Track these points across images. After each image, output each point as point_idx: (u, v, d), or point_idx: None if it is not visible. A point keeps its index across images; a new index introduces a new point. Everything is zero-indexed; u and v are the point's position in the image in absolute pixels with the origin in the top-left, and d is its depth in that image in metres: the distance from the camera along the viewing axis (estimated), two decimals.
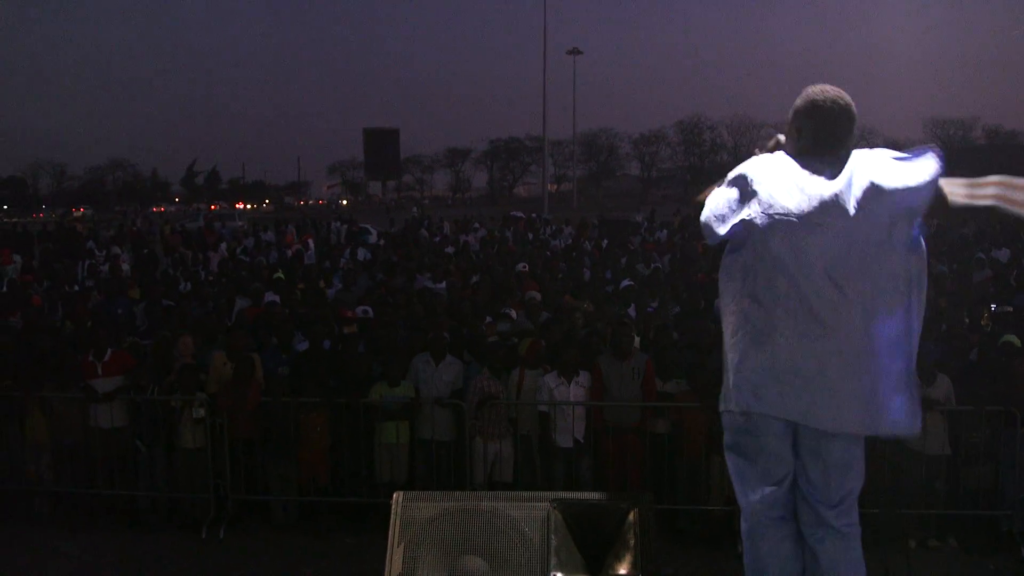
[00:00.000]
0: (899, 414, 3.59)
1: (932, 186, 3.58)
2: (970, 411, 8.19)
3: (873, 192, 3.52)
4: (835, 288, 3.51)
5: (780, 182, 3.60)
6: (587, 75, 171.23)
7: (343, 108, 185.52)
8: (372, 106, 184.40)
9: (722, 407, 3.90)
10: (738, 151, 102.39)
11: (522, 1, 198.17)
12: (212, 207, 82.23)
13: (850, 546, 3.81)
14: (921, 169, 3.60)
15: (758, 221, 3.58)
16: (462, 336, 10.12)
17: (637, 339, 9.56)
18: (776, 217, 3.54)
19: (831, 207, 3.50)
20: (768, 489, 3.79)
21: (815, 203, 3.52)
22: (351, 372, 9.26)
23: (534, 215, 40.66)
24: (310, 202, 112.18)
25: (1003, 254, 19.07)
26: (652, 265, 17.26)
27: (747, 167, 3.73)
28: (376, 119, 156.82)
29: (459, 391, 9.06)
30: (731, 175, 3.77)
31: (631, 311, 11.87)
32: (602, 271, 16.73)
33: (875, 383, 3.54)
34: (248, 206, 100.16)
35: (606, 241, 24.36)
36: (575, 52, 77.41)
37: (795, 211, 3.52)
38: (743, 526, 3.94)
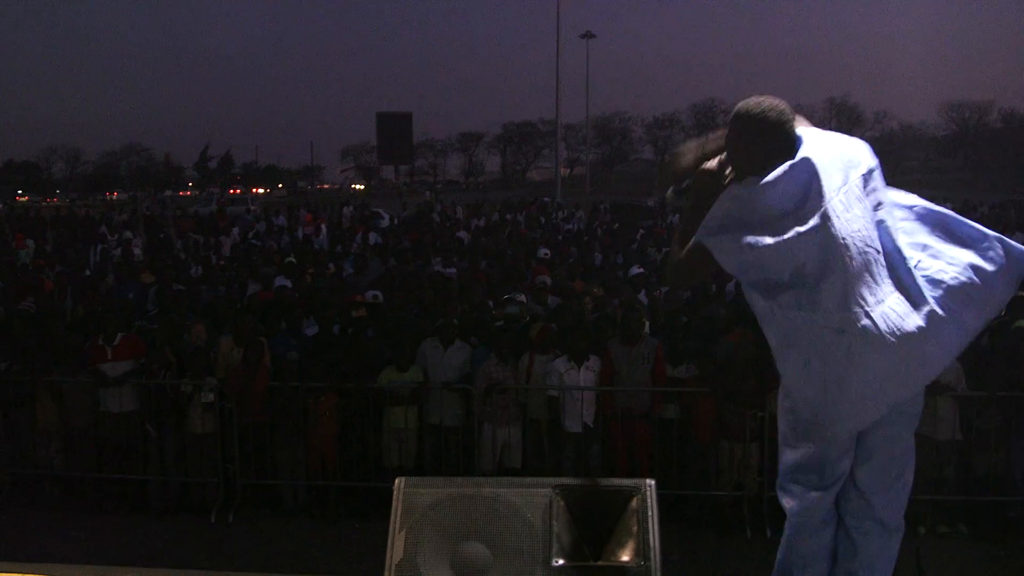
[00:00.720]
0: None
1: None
2: (982, 396, 8.14)
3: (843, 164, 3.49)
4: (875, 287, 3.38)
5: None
6: (600, 59, 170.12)
7: (356, 92, 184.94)
8: (385, 90, 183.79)
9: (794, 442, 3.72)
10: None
11: None
12: (232, 191, 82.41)
13: (891, 544, 3.74)
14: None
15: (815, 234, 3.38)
16: (471, 320, 10.09)
17: (647, 324, 9.51)
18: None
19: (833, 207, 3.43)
20: (817, 494, 3.68)
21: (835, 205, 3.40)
22: (360, 357, 9.25)
23: (546, 199, 40.66)
24: (321, 186, 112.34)
25: (1017, 239, 18.91)
26: (663, 250, 17.20)
27: (737, 196, 3.53)
28: (389, 103, 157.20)
29: (468, 375, 9.05)
30: (724, 203, 3.54)
31: (642, 296, 11.84)
32: (613, 256, 16.70)
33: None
34: (262, 190, 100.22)
35: (617, 225, 24.31)
36: (588, 36, 76.94)
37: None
38: (789, 526, 3.83)
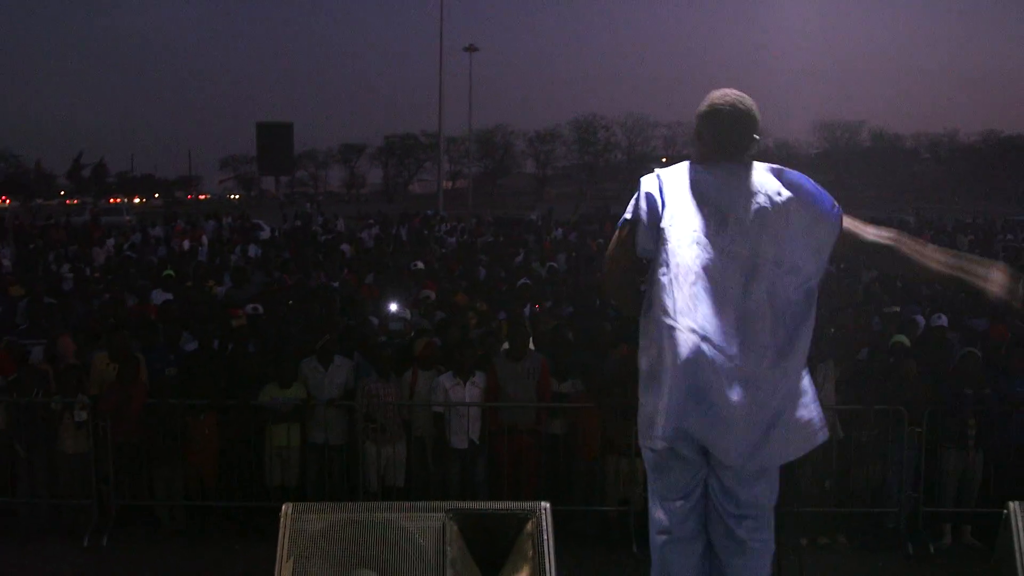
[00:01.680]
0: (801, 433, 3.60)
1: (838, 223, 3.62)
2: (859, 410, 8.33)
3: (779, 214, 3.53)
4: (736, 313, 3.47)
5: (682, 194, 3.57)
6: (483, 72, 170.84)
7: (235, 101, 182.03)
8: (266, 100, 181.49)
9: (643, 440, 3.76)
10: (632, 150, 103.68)
11: None
12: (113, 200, 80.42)
13: (759, 564, 3.74)
14: (827, 208, 3.62)
15: (668, 235, 3.55)
16: (353, 336, 9.96)
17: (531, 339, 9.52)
18: (682, 231, 3.52)
19: (732, 224, 3.50)
20: (678, 503, 3.72)
21: (716, 219, 3.51)
22: (241, 373, 9.04)
23: (429, 212, 40.58)
24: (200, 197, 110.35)
25: None
26: (548, 264, 17.28)
27: (651, 180, 3.70)
28: (270, 113, 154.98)
29: (351, 391, 8.90)
30: (638, 193, 3.71)
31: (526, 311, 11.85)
32: (497, 270, 16.69)
33: (778, 414, 3.53)
34: (137, 200, 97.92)
35: (501, 239, 24.37)
36: (471, 49, 77.25)
37: (698, 227, 3.52)
38: (654, 540, 3.85)
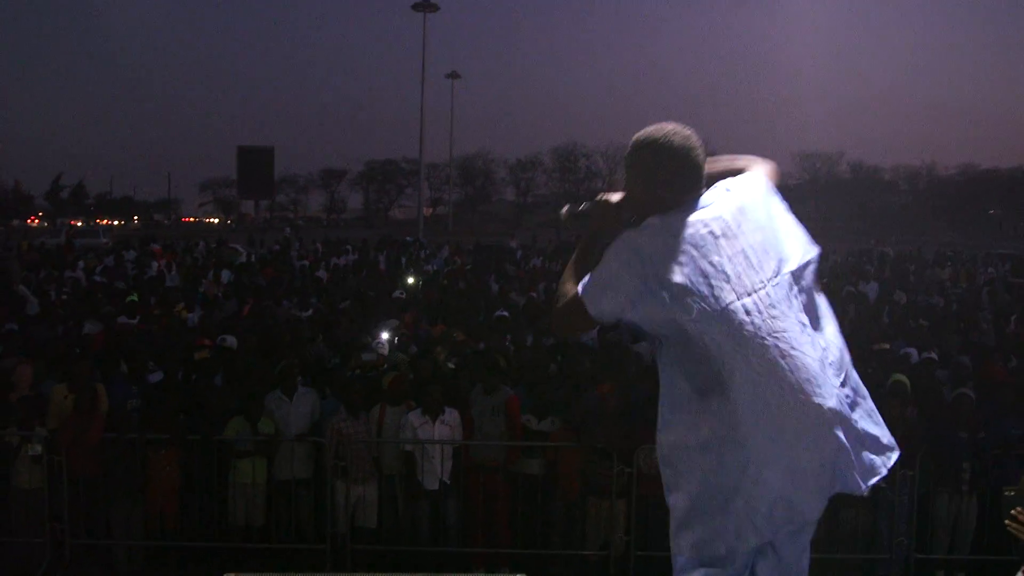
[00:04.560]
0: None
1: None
2: None
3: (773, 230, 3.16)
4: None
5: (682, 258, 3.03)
6: (465, 99, 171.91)
7: (217, 125, 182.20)
8: (247, 124, 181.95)
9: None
10: (612, 178, 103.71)
11: (401, 23, 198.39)
12: (100, 221, 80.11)
13: None
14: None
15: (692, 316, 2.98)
16: (319, 368, 9.61)
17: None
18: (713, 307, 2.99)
19: (751, 256, 3.07)
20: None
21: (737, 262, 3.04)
22: (206, 406, 8.66)
23: (408, 238, 40.34)
24: (184, 220, 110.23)
25: (871, 288, 19.29)
26: (528, 294, 16.93)
27: (634, 249, 3.09)
28: (251, 137, 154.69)
29: (318, 424, 8.62)
30: (614, 260, 3.12)
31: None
32: (475, 299, 16.34)
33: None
34: (116, 222, 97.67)
35: (470, 267, 24.14)
36: (454, 76, 77.57)
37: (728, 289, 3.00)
38: None
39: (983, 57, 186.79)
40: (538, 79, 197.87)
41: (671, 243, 3.02)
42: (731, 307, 2.95)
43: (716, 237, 3.04)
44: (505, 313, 13.29)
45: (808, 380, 2.94)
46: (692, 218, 3.06)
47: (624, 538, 8.11)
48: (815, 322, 3.11)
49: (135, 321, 12.63)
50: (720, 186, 3.22)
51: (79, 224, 76.70)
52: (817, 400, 2.94)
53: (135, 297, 14.58)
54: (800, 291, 3.09)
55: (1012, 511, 4.57)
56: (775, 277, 3.04)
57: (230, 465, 8.38)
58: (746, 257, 3.03)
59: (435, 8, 56.52)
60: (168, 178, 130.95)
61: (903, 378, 8.94)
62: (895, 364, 9.88)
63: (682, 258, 2.99)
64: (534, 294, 16.97)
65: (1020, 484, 5.16)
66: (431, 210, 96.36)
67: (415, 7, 56.09)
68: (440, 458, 8.26)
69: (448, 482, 8.31)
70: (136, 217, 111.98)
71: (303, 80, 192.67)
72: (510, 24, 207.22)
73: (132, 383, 9.37)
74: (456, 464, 8.37)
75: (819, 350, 3.03)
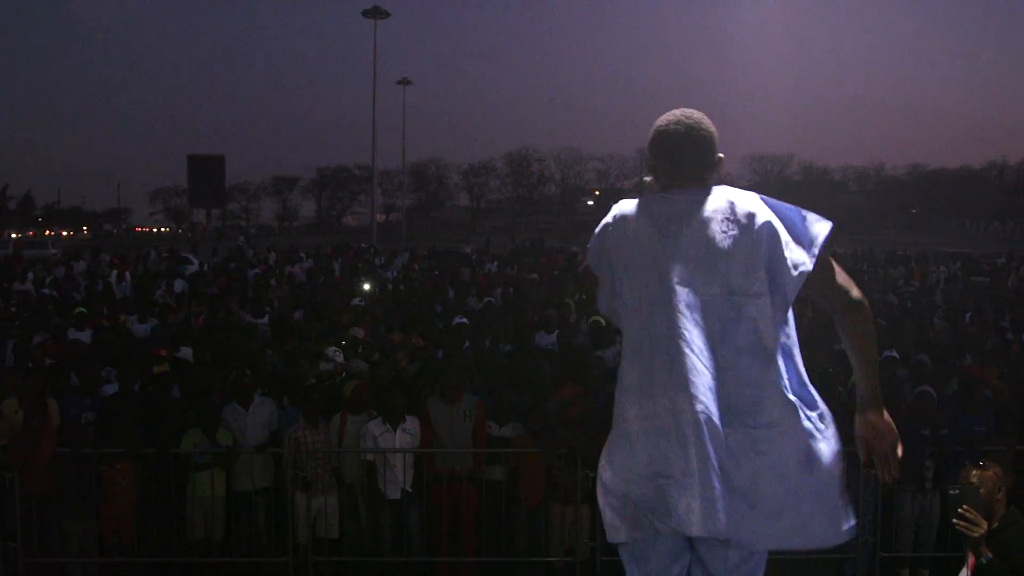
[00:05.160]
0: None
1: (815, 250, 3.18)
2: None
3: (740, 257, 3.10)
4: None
5: (633, 234, 3.18)
6: (417, 105, 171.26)
7: (166, 134, 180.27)
8: (197, 132, 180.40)
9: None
10: (566, 183, 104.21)
11: (352, 29, 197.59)
12: (50, 232, 79.04)
13: None
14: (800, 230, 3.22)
15: (617, 287, 3.20)
16: (276, 378, 9.46)
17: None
18: (634, 285, 3.14)
19: (693, 259, 3.08)
20: None
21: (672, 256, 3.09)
22: (162, 418, 8.49)
23: (363, 245, 40.11)
24: (136, 229, 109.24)
25: None
26: (484, 299, 16.82)
27: (606, 221, 3.33)
28: (201, 146, 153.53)
29: (276, 433, 8.52)
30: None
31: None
32: (432, 305, 16.21)
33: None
34: (65, 233, 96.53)
35: (437, 273, 23.97)
36: (405, 82, 77.32)
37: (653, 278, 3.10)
38: None
39: (930, 59, 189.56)
40: (490, 84, 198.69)
41: (620, 234, 3.23)
42: (643, 300, 3.10)
43: (658, 234, 3.14)
44: (464, 320, 13.18)
45: (684, 381, 2.98)
46: (644, 210, 3.21)
47: (589, 544, 8.05)
48: (732, 358, 3.08)
49: (83, 334, 12.37)
50: (721, 189, 3.24)
51: (30, 235, 75.51)
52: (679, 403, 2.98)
53: (83, 309, 14.26)
54: (729, 321, 3.08)
55: (959, 509, 4.61)
56: (705, 289, 3.07)
57: (188, 478, 8.23)
58: (681, 261, 3.09)
59: (386, 14, 56.52)
60: (118, 188, 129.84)
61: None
62: None
63: (621, 250, 3.20)
64: (491, 299, 16.86)
65: (962, 481, 5.21)
66: (384, 216, 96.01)
67: (366, 13, 56.03)
68: (402, 466, 8.16)
69: (410, 491, 8.22)
70: (85, 228, 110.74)
71: (253, 87, 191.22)
72: (461, 30, 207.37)
73: (85, 396, 9.17)
74: (418, 472, 8.27)
75: (710, 373, 3.02)
